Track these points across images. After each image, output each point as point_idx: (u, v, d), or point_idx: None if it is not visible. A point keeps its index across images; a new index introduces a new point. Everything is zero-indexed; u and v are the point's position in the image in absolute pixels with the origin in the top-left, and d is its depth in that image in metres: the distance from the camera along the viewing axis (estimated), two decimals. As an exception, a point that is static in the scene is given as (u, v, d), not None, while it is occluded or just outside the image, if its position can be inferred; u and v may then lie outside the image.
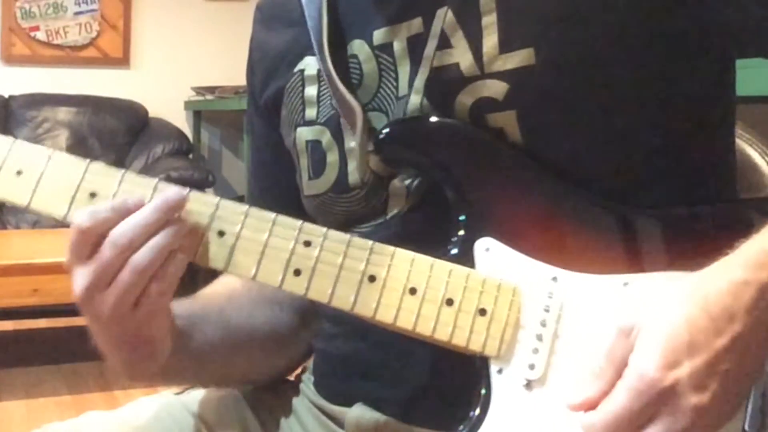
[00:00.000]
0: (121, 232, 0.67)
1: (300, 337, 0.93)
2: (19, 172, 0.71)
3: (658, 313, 0.60)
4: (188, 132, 4.73)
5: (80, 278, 0.68)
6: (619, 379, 0.60)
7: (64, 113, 4.34)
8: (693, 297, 0.60)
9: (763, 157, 0.99)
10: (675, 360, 0.58)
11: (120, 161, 4.26)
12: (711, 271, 0.62)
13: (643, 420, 0.59)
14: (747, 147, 0.99)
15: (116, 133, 4.39)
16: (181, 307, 0.81)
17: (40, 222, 3.78)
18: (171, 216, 0.68)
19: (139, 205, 0.68)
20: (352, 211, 0.82)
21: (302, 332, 0.92)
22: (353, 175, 0.81)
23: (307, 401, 0.90)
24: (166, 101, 4.70)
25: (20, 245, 3.30)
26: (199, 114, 4.84)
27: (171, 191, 0.69)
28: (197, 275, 0.80)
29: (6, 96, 4.36)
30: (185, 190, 0.70)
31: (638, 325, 0.61)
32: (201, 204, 0.70)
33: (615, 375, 0.61)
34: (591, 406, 0.61)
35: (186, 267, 0.70)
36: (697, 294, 0.60)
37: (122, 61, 4.73)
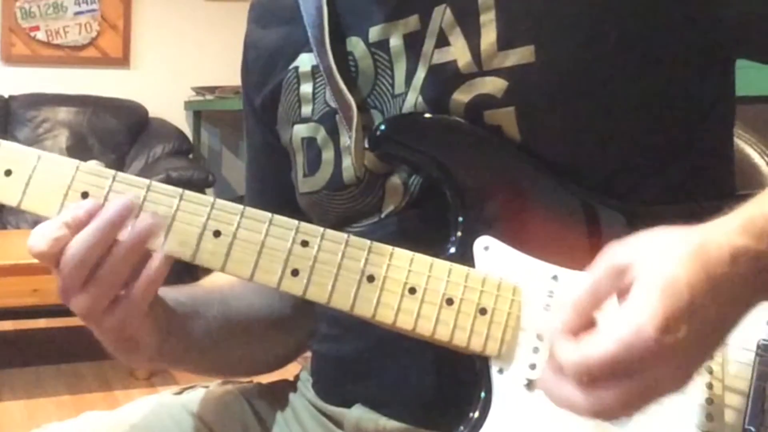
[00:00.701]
0: (71, 253, 0.67)
1: (299, 324, 0.93)
2: (8, 172, 0.70)
3: (659, 266, 0.57)
4: (188, 132, 4.73)
5: (57, 280, 0.69)
6: (598, 312, 0.58)
7: (64, 113, 4.34)
8: (695, 257, 0.57)
9: (763, 157, 0.98)
10: (675, 324, 0.55)
11: (120, 161, 4.26)
12: (712, 232, 0.59)
13: (623, 373, 0.56)
14: (747, 147, 0.99)
15: (116, 133, 4.39)
16: (184, 292, 0.82)
17: (39, 222, 3.77)
18: (120, 227, 0.67)
19: (92, 213, 0.67)
20: (346, 209, 0.82)
21: (301, 320, 0.93)
22: (348, 173, 0.81)
23: (306, 402, 0.90)
24: (166, 101, 4.70)
25: (20, 245, 3.29)
26: (199, 114, 4.84)
27: (117, 202, 0.68)
28: (195, 274, 0.80)
29: (6, 96, 4.36)
30: (177, 191, 0.70)
31: (635, 272, 0.58)
32: (195, 204, 0.70)
33: (591, 306, 0.59)
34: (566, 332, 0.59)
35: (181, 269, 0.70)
36: (699, 256, 0.58)
37: (122, 61, 4.73)
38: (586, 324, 0.59)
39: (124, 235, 0.67)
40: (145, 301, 0.70)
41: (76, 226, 0.67)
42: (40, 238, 0.67)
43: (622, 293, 0.58)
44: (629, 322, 0.55)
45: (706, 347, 0.58)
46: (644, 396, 0.57)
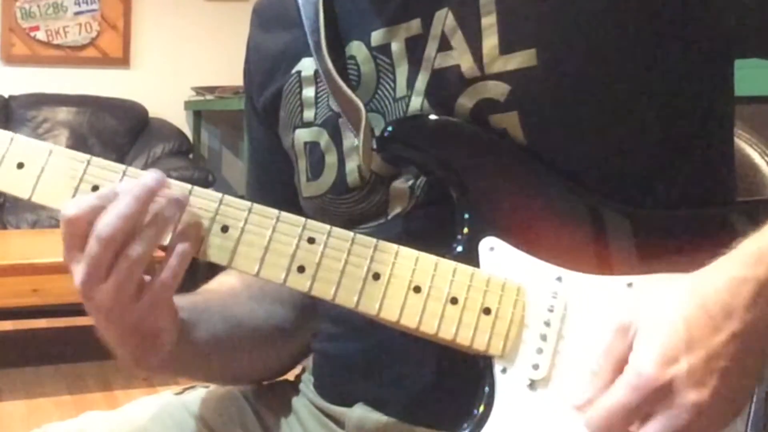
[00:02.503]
0: (104, 224, 0.66)
1: (301, 332, 0.93)
2: (20, 165, 0.71)
3: (656, 312, 0.60)
4: (188, 132, 4.73)
5: (77, 273, 0.68)
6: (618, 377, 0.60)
7: (64, 113, 4.35)
8: (691, 295, 0.60)
9: (763, 158, 0.99)
10: (672, 357, 0.58)
11: (120, 161, 4.19)
12: (710, 269, 0.62)
13: (640, 416, 0.58)
14: (747, 147, 0.99)
15: (116, 133, 4.39)
16: (185, 300, 0.81)
17: (39, 222, 3.78)
18: (150, 200, 0.67)
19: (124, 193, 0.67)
20: (351, 212, 0.82)
21: (303, 328, 0.92)
22: (352, 176, 0.81)
23: (307, 402, 0.90)
24: (166, 101, 4.71)
25: (20, 245, 3.31)
26: (199, 114, 4.85)
27: (147, 176, 0.68)
28: (197, 272, 0.80)
29: (6, 96, 4.37)
30: (186, 186, 0.71)
31: (636, 324, 0.61)
32: (204, 200, 0.70)
33: (613, 372, 0.61)
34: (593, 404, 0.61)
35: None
36: (695, 292, 0.60)
37: (122, 61, 4.73)
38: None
39: (148, 215, 0.67)
40: (173, 284, 0.69)
41: (110, 201, 0.67)
42: (75, 204, 0.67)
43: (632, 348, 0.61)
44: (632, 368, 0.59)
45: (726, 379, 0.58)
46: None
